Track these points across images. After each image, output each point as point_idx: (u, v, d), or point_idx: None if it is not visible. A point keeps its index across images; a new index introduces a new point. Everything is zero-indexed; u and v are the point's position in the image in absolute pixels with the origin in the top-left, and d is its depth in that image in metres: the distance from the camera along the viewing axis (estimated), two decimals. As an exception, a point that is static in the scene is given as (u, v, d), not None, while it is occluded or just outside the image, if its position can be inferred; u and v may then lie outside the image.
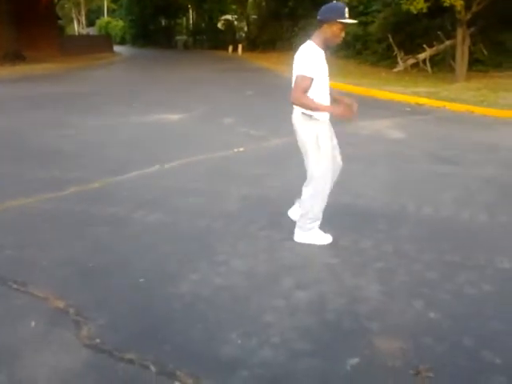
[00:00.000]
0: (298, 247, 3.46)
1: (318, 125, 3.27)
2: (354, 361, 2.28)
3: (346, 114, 3.11)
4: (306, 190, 3.45)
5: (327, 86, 3.29)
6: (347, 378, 2.19)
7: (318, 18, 3.17)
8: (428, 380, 2.17)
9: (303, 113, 3.25)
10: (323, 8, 3.17)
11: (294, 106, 3.31)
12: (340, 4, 3.20)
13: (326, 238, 3.50)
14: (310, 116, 3.23)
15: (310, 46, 3.19)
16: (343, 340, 2.45)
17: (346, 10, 3.12)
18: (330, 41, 3.20)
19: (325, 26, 3.14)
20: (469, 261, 3.29)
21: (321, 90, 3.23)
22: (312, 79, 3.12)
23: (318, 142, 3.27)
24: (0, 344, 2.39)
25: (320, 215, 3.47)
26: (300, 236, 3.52)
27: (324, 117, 3.27)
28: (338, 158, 3.53)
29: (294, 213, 3.74)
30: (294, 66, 3.20)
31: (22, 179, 4.97)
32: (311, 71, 3.12)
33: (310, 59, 3.13)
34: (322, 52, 3.21)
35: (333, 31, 3.13)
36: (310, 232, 3.49)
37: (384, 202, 4.33)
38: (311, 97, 3.16)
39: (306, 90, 3.13)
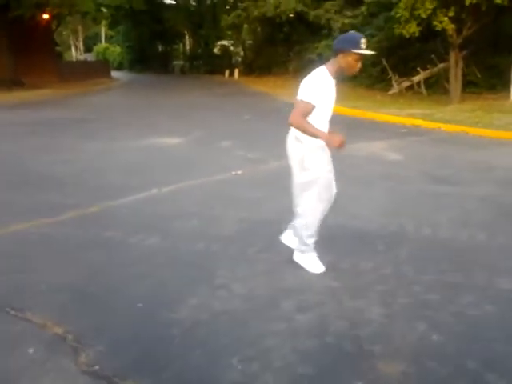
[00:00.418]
0: (297, 270, 3.44)
1: (305, 147, 3.21)
2: (357, 385, 2.25)
3: (340, 145, 2.98)
4: (297, 219, 3.44)
5: (329, 115, 3.25)
6: (350, 403, 2.15)
7: (334, 47, 3.12)
8: (432, 404, 2.13)
9: (295, 136, 3.24)
10: (340, 37, 3.14)
11: (291, 129, 3.28)
12: (357, 34, 3.12)
13: (318, 267, 3.40)
14: (297, 138, 3.22)
15: (322, 72, 3.12)
16: (345, 364, 2.42)
17: (363, 40, 3.03)
18: (344, 71, 3.14)
19: (340, 55, 3.07)
20: (470, 281, 3.27)
21: (321, 119, 3.18)
22: (314, 106, 3.07)
23: (303, 165, 3.24)
24: (-3, 372, 2.35)
25: (309, 242, 3.41)
26: (297, 256, 3.51)
27: (313, 141, 3.15)
28: (333, 184, 3.39)
29: (286, 238, 3.70)
30: (300, 88, 3.14)
31: (18, 204, 4.95)
32: (314, 98, 3.06)
33: (316, 86, 3.07)
34: (333, 81, 3.14)
35: (348, 62, 3.06)
36: (304, 255, 3.46)
37: (382, 224, 4.33)
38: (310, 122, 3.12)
39: (305, 115, 3.08)
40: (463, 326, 2.75)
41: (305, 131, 3.08)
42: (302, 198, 3.36)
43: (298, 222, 3.42)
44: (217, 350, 2.52)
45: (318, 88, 3.07)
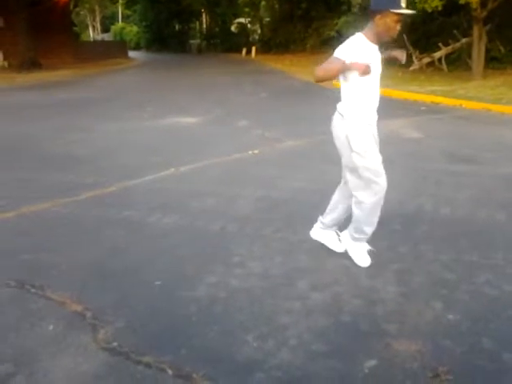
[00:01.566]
0: (313, 249, 3.44)
1: (349, 125, 2.90)
2: (372, 363, 2.26)
3: (366, 69, 2.69)
4: (354, 206, 3.09)
5: (377, 89, 2.89)
6: (365, 380, 2.16)
7: (370, 7, 2.75)
8: (447, 382, 2.13)
9: (339, 112, 2.97)
10: None
11: (337, 107, 3.00)
12: None
13: (365, 260, 3.18)
14: (342, 115, 2.93)
15: (359, 37, 2.79)
16: (360, 342, 2.43)
17: None
18: (382, 35, 2.77)
19: (377, 16, 2.71)
20: (487, 260, 3.24)
21: (368, 92, 2.85)
22: (343, 63, 2.70)
23: (349, 144, 2.91)
24: (19, 347, 2.42)
25: (369, 232, 3.13)
26: (347, 242, 3.28)
27: (360, 117, 2.88)
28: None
29: (316, 233, 3.45)
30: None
31: (38, 184, 5.03)
32: (345, 55, 2.72)
33: (352, 47, 2.75)
34: (375, 47, 2.81)
35: (386, 23, 2.70)
36: (353, 243, 3.22)
37: (400, 202, 4.29)
38: (356, 98, 2.84)
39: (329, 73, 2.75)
40: (480, 305, 2.73)
41: (327, 73, 2.74)
42: (353, 183, 3.03)
43: (356, 208, 3.08)
44: (233, 327, 2.55)
45: (354, 49, 2.73)
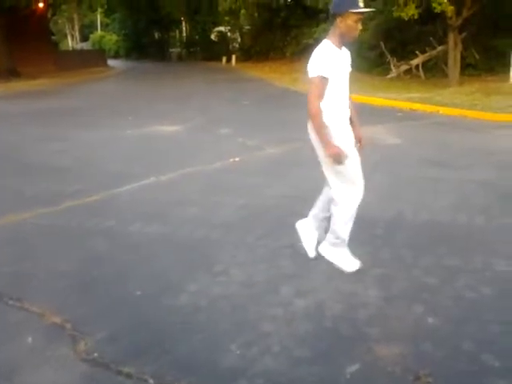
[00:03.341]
0: (296, 255, 3.45)
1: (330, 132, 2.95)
2: (354, 367, 2.27)
3: (339, 159, 2.87)
4: (332, 208, 3.14)
5: (346, 91, 3.00)
6: (348, 386, 2.17)
7: (331, 11, 2.89)
8: (429, 385, 2.16)
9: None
10: (334, 0, 2.88)
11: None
12: None
13: (352, 264, 3.17)
14: None
15: (325, 44, 2.89)
16: (343, 347, 2.44)
17: None
18: (345, 36, 2.88)
19: (338, 19, 2.83)
20: (467, 265, 3.29)
21: (337, 95, 2.94)
22: (327, 80, 2.84)
23: (323, 149, 2.96)
24: (-3, 361, 2.37)
25: (344, 236, 3.16)
26: (324, 248, 3.28)
27: (331, 120, 2.94)
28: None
29: (302, 226, 3.45)
30: (308, 68, 2.91)
31: (18, 194, 4.96)
32: (326, 71, 2.82)
33: (324, 58, 2.84)
34: (340, 51, 2.92)
35: (347, 24, 2.82)
36: (335, 249, 3.22)
37: (380, 208, 4.33)
38: (326, 103, 2.90)
39: (321, 95, 2.87)
40: (460, 308, 2.77)
41: (315, 126, 2.93)
42: (331, 184, 3.08)
43: (332, 210, 3.14)
44: (216, 336, 2.54)
45: (326, 59, 2.84)
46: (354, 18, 2.82)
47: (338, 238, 3.17)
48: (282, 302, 2.85)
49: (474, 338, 2.47)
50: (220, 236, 3.84)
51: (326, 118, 2.93)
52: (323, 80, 2.85)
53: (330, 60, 2.85)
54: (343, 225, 3.12)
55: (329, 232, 3.23)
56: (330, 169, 3.02)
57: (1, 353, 2.43)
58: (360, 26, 2.87)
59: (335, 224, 3.15)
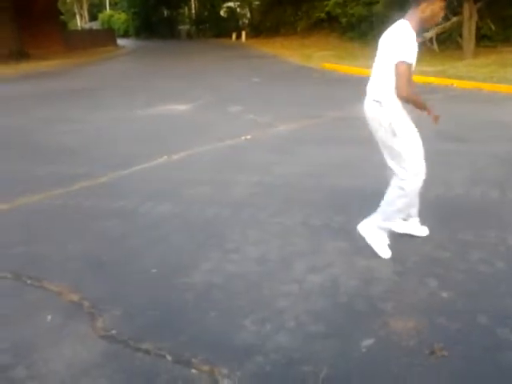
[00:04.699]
0: (308, 232, 3.45)
1: (392, 112, 2.87)
2: (369, 342, 2.29)
3: (436, 119, 2.94)
4: (392, 188, 3.02)
5: (412, 76, 2.88)
6: (363, 359, 2.19)
7: None
8: (443, 359, 2.16)
9: (374, 100, 2.91)
10: None
11: (368, 92, 2.98)
12: None
13: (385, 252, 3.06)
14: (378, 102, 2.89)
15: (406, 28, 2.74)
16: (357, 322, 2.45)
17: None
18: (428, 21, 2.81)
19: (423, 4, 2.72)
20: (481, 239, 3.26)
21: (410, 80, 2.83)
22: (411, 65, 2.75)
23: (394, 131, 2.88)
24: (17, 338, 2.43)
25: (402, 212, 3.08)
26: (365, 228, 3.13)
27: (399, 103, 2.86)
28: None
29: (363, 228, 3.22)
30: (384, 49, 2.81)
31: (30, 176, 5.00)
32: (410, 57, 2.72)
33: (408, 43, 2.71)
34: (415, 35, 2.78)
35: (433, 10, 2.73)
36: (380, 232, 3.08)
37: (394, 184, 4.29)
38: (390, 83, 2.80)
39: (409, 80, 2.76)
40: (474, 282, 2.76)
41: (416, 103, 2.86)
42: (395, 168, 2.96)
43: (392, 193, 3.01)
44: (231, 312, 2.56)
45: (409, 45, 2.72)
46: (442, 4, 2.75)
47: (388, 220, 3.06)
48: (295, 279, 2.86)
49: (488, 312, 2.47)
50: (232, 214, 3.85)
51: (395, 101, 2.85)
52: (409, 66, 2.73)
53: (411, 45, 2.73)
54: (399, 211, 3.03)
55: (379, 212, 3.07)
56: (402, 146, 2.90)
57: (21, 330, 2.49)
58: (443, 13, 2.79)
59: (392, 206, 3.00)
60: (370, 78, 2.99)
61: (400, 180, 2.95)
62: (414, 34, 2.75)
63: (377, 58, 2.88)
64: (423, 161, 2.99)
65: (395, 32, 2.77)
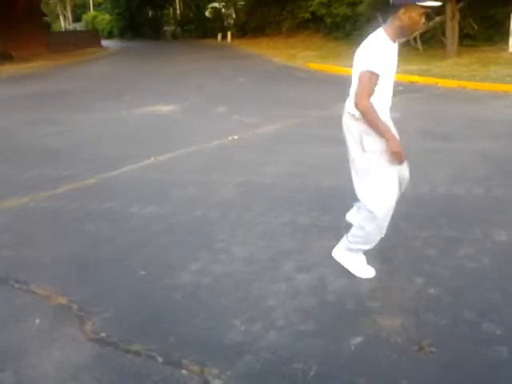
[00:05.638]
0: (296, 232, 3.47)
1: (363, 126, 2.64)
2: (358, 339, 2.31)
3: (400, 157, 2.63)
4: (359, 212, 2.84)
5: (391, 86, 2.71)
6: (352, 357, 2.21)
7: (393, 2, 2.54)
8: (431, 354, 2.19)
9: (349, 113, 2.73)
10: None
11: (346, 104, 2.78)
12: None
13: (368, 271, 2.89)
14: (353, 116, 2.69)
15: (381, 36, 2.58)
16: (346, 319, 2.47)
17: None
18: (406, 30, 2.59)
19: (401, 11, 2.50)
20: (467, 235, 3.31)
21: (384, 92, 2.65)
22: (378, 77, 2.54)
23: (362, 146, 2.67)
24: (6, 342, 2.41)
25: (372, 241, 2.84)
26: (339, 252, 2.96)
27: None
28: (405, 170, 2.94)
29: (352, 216, 3.20)
30: (357, 58, 2.62)
31: (15, 179, 4.95)
32: (379, 67, 2.53)
33: (378, 53, 2.54)
34: (394, 46, 2.63)
35: (411, 18, 2.50)
36: (351, 253, 2.90)
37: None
38: (373, 100, 2.58)
39: (372, 92, 2.56)
40: (460, 278, 2.80)
41: (370, 123, 2.58)
42: (362, 186, 2.77)
43: (360, 215, 2.81)
44: (220, 312, 2.57)
45: (379, 54, 2.54)
46: (420, 11, 2.51)
47: (357, 239, 2.84)
48: (284, 278, 2.87)
49: (475, 307, 2.51)
50: (219, 214, 3.85)
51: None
52: (374, 76, 2.54)
53: (383, 55, 2.55)
54: (375, 235, 2.81)
55: (350, 235, 2.88)
56: (373, 171, 2.68)
57: (9, 334, 2.47)
58: (423, 20, 2.55)
59: (363, 230, 2.79)
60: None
61: (369, 210, 2.73)
62: (390, 43, 2.59)
63: (352, 71, 2.69)
64: (397, 191, 2.77)
65: (368, 42, 2.60)
